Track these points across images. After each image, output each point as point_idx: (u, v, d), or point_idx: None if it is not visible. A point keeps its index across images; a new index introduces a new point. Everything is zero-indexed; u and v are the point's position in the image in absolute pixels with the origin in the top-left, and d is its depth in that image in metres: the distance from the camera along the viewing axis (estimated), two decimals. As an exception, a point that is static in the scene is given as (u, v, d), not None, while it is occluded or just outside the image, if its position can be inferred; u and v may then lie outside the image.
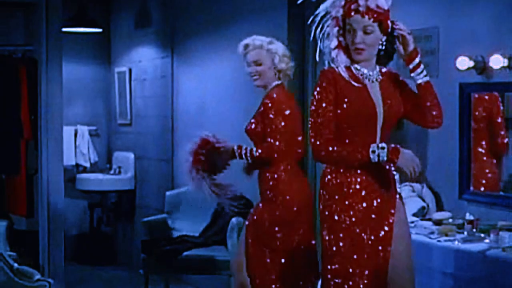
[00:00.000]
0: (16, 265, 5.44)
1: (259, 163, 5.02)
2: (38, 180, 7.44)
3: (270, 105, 5.06)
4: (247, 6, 7.35)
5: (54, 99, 7.39)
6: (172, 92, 8.46)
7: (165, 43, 8.50)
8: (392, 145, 3.82)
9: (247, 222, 5.07)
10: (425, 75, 4.01)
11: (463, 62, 5.18)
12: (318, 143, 3.89)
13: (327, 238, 3.93)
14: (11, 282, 5.31)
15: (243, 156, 5.01)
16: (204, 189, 5.15)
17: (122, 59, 9.44)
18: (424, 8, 5.66)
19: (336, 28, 4.01)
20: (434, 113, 4.02)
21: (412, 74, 4.01)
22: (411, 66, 4.00)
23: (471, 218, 4.83)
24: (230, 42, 7.60)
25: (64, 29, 7.85)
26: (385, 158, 3.79)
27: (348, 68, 4.00)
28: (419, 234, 4.82)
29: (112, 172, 9.30)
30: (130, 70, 9.22)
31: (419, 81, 4.00)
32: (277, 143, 4.94)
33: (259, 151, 4.97)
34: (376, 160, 3.80)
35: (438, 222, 5.06)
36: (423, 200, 5.44)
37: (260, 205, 5.03)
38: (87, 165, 9.43)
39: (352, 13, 3.94)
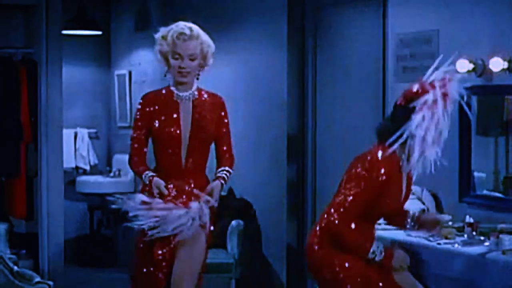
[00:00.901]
0: (16, 267, 5.44)
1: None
2: (38, 183, 7.43)
3: (225, 107, 4.81)
4: (247, 8, 7.35)
5: (54, 101, 7.38)
6: (172, 95, 8.44)
7: (165, 46, 8.49)
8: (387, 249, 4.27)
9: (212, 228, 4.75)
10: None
11: (463, 65, 5.18)
12: (345, 222, 4.14)
13: None
14: (11, 284, 5.31)
15: (226, 182, 4.71)
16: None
17: (122, 61, 9.44)
18: (424, 11, 5.66)
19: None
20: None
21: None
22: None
23: (471, 221, 4.82)
24: (230, 45, 7.61)
25: (64, 32, 7.84)
26: (378, 261, 4.22)
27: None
28: (419, 237, 4.82)
29: (112, 174, 9.29)
30: (130, 73, 9.22)
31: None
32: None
33: (230, 166, 4.72)
34: (371, 258, 4.21)
35: (438, 225, 5.05)
36: (423, 203, 5.43)
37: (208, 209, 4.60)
38: (87, 167, 9.43)
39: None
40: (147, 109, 4.71)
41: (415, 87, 4.17)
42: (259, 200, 7.11)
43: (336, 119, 6.60)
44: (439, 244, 4.67)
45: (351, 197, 4.14)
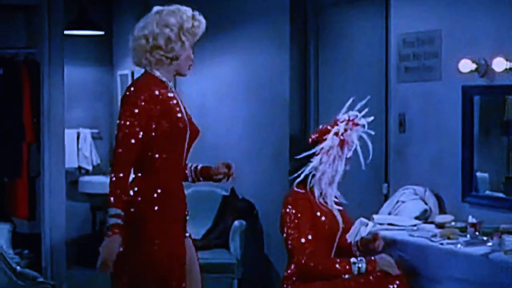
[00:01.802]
0: (18, 267, 5.45)
1: None
2: (40, 183, 7.44)
3: None
4: (249, 9, 7.35)
5: (56, 102, 7.38)
6: (174, 95, 8.44)
7: (167, 46, 8.49)
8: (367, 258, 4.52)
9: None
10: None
11: (466, 65, 5.18)
12: (304, 258, 4.45)
13: None
14: (14, 284, 5.32)
15: None
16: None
17: (124, 61, 9.43)
18: (427, 11, 5.66)
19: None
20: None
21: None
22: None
23: (474, 221, 4.82)
24: (231, 45, 7.61)
25: (66, 32, 7.84)
26: (364, 270, 4.43)
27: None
28: (422, 237, 4.81)
29: (114, 174, 9.28)
30: (132, 73, 9.21)
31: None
32: None
33: None
34: (357, 272, 4.44)
35: (440, 225, 5.05)
36: (426, 203, 5.43)
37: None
38: (90, 167, 9.43)
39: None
40: (148, 102, 3.67)
41: (319, 131, 4.68)
42: (261, 200, 7.11)
43: (338, 119, 6.59)
44: (441, 244, 4.67)
45: (303, 239, 4.49)
